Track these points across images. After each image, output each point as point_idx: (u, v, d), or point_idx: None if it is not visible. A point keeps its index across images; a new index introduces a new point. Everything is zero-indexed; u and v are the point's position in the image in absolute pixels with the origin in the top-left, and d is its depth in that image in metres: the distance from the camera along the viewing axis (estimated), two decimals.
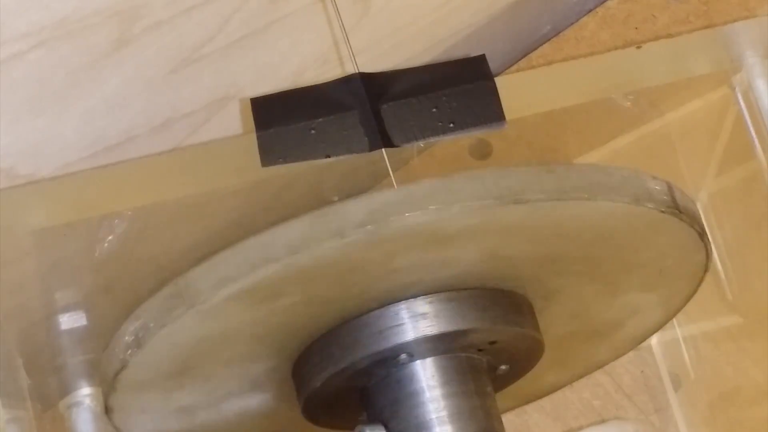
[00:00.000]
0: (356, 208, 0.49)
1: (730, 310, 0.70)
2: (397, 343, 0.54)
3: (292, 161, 0.56)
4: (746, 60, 0.64)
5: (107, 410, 0.56)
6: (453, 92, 0.58)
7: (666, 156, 0.71)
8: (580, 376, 0.71)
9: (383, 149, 0.56)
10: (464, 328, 0.55)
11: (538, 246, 0.54)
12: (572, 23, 0.77)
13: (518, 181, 0.50)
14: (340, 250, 0.49)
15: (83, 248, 0.61)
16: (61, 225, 0.58)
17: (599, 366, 0.70)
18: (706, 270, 0.61)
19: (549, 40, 0.78)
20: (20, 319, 0.62)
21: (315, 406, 0.57)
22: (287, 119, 0.57)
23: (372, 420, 0.56)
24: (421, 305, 0.54)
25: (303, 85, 0.58)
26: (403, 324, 0.54)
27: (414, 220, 0.49)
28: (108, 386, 0.55)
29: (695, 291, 0.63)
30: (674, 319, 0.68)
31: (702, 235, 0.57)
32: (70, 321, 0.64)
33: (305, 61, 0.65)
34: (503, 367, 0.58)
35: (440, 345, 0.55)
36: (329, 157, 0.57)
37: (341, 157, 0.56)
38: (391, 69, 0.59)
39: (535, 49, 0.78)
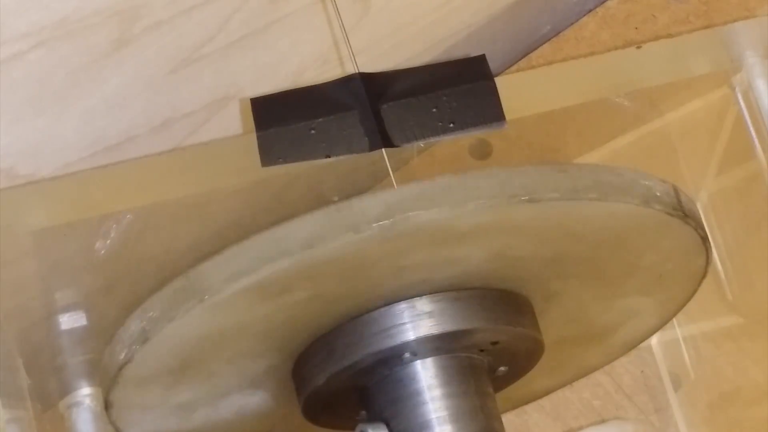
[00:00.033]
0: (372, 203, 0.49)
1: (730, 310, 0.70)
2: (402, 341, 0.54)
3: (292, 161, 0.56)
4: (746, 60, 0.64)
5: (107, 405, 0.56)
6: (453, 92, 0.58)
7: (666, 156, 0.71)
8: (571, 381, 0.71)
9: (383, 149, 0.56)
10: (469, 328, 0.55)
11: (545, 246, 0.54)
12: (572, 23, 0.77)
13: (532, 179, 0.50)
14: (353, 245, 0.49)
15: (83, 248, 0.61)
16: (61, 225, 0.58)
17: (590, 371, 0.70)
18: (704, 276, 0.61)
19: (549, 40, 0.78)
20: (20, 319, 0.62)
21: (315, 405, 0.57)
22: (287, 119, 0.57)
23: (372, 420, 0.56)
24: (427, 304, 0.54)
25: (303, 85, 0.58)
26: (408, 323, 0.54)
27: (429, 216, 0.49)
28: (110, 381, 0.54)
29: (691, 297, 0.64)
30: (674, 319, 0.68)
31: (705, 239, 0.57)
32: (70, 321, 0.64)
33: (305, 61, 0.65)
34: (502, 368, 0.58)
35: (444, 344, 0.55)
36: (329, 157, 0.57)
37: (341, 157, 0.56)
38: (391, 69, 0.59)
39: (535, 49, 0.78)
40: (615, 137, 0.72)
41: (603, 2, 0.77)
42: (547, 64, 0.77)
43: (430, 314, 0.54)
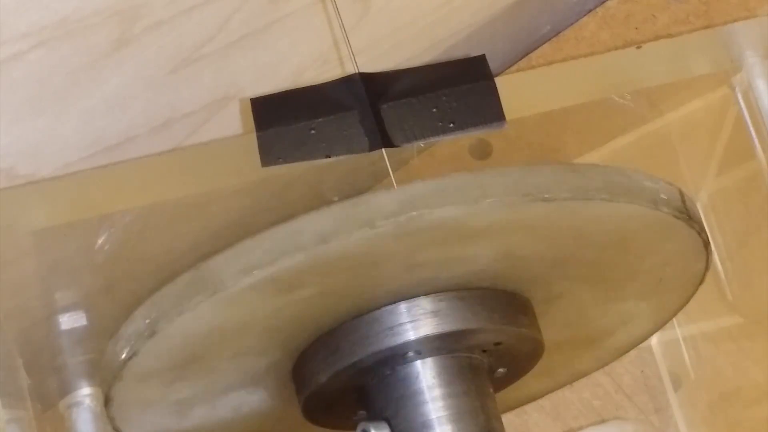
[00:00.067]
0: (387, 199, 0.49)
1: (730, 310, 0.70)
2: (406, 340, 0.54)
3: (292, 161, 0.56)
4: (746, 60, 0.64)
5: (107, 400, 0.56)
6: (453, 92, 0.58)
7: (666, 156, 0.71)
8: (560, 387, 0.70)
9: (383, 149, 0.56)
10: (474, 328, 0.55)
11: (553, 247, 0.54)
12: (572, 23, 0.77)
13: (545, 178, 0.50)
14: (367, 241, 0.49)
15: (83, 248, 0.61)
16: (61, 225, 0.58)
17: (580, 376, 0.70)
18: (701, 281, 0.61)
19: (549, 40, 0.78)
20: (20, 319, 0.62)
21: (315, 403, 0.57)
22: (287, 119, 0.57)
23: (372, 419, 0.56)
24: (432, 303, 0.54)
25: (303, 85, 0.58)
26: (412, 321, 0.54)
27: (444, 213, 0.49)
28: (113, 375, 0.54)
29: (686, 303, 0.64)
30: (674, 319, 0.68)
31: (706, 243, 0.57)
32: (70, 321, 0.64)
33: (305, 61, 0.65)
34: (501, 370, 0.58)
35: (447, 344, 0.55)
36: (329, 157, 0.57)
37: (341, 157, 0.56)
38: (391, 69, 0.59)
39: (535, 49, 0.78)
40: (615, 137, 0.72)
41: (603, 2, 0.77)
42: (547, 64, 0.77)
43: (435, 313, 0.54)
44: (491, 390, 0.57)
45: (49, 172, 0.59)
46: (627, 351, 0.69)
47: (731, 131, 0.67)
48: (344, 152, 0.57)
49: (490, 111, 0.57)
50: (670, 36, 0.75)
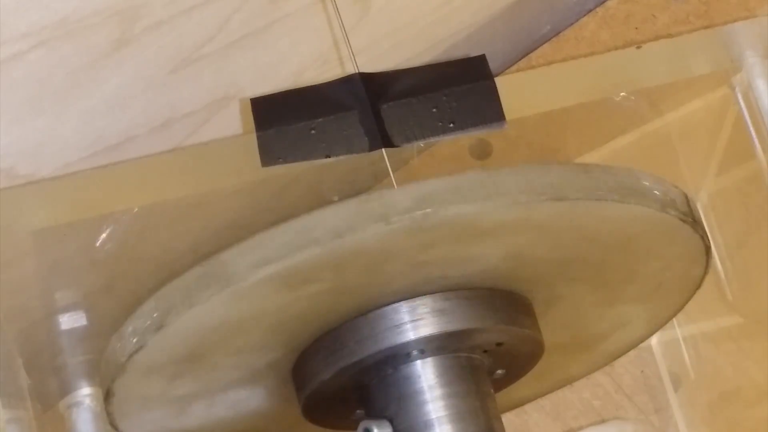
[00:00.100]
0: (402, 195, 0.49)
1: (730, 310, 0.69)
2: (413, 338, 0.54)
3: (292, 161, 0.56)
4: (746, 60, 0.64)
5: (108, 395, 0.55)
6: (453, 92, 0.58)
7: (666, 156, 0.71)
8: (549, 392, 0.71)
9: (383, 149, 0.56)
10: (479, 327, 0.55)
11: (560, 247, 0.55)
12: (572, 23, 0.77)
13: (558, 178, 0.50)
14: (381, 237, 0.49)
15: (83, 248, 0.61)
16: (61, 225, 0.58)
17: (569, 382, 0.70)
18: (698, 287, 0.62)
19: (549, 40, 0.78)
20: (20, 319, 0.62)
21: (316, 401, 0.57)
22: (287, 119, 0.57)
23: (373, 418, 0.56)
24: (439, 302, 0.54)
25: (303, 85, 0.58)
26: (418, 320, 0.54)
27: (459, 210, 0.49)
28: (117, 369, 0.54)
29: (680, 309, 0.64)
30: (674, 319, 0.68)
31: (708, 249, 0.57)
32: (70, 321, 0.64)
33: (305, 61, 0.65)
34: (499, 371, 0.58)
35: (452, 343, 0.55)
36: (329, 157, 0.57)
37: (341, 157, 0.56)
38: (391, 69, 0.59)
39: (535, 49, 0.78)
40: (615, 137, 0.72)
41: (603, 2, 0.77)
42: (547, 64, 0.77)
43: (440, 312, 0.54)
44: (492, 390, 0.58)
45: (49, 172, 0.59)
46: (617, 357, 0.69)
47: (731, 131, 0.67)
48: (344, 152, 0.57)
49: (490, 111, 0.57)
50: (670, 36, 0.75)
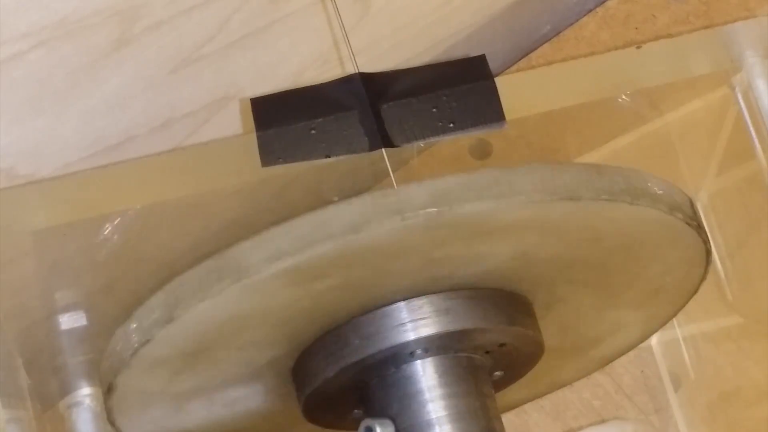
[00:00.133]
0: (418, 191, 0.49)
1: (730, 310, 0.70)
2: (419, 337, 0.54)
3: (292, 161, 0.56)
4: (746, 60, 0.64)
5: (109, 389, 0.55)
6: (453, 92, 0.58)
7: (666, 156, 0.71)
8: (538, 396, 0.71)
9: (383, 149, 0.56)
10: (484, 327, 0.55)
11: (566, 249, 0.55)
12: (572, 23, 0.77)
13: (572, 178, 0.50)
14: (396, 232, 0.49)
15: (83, 248, 0.61)
16: (61, 225, 0.58)
17: (560, 386, 0.70)
18: (695, 292, 0.62)
19: (549, 40, 0.78)
20: (20, 319, 0.62)
21: (317, 398, 0.57)
22: (287, 119, 0.57)
23: (375, 416, 0.56)
24: (445, 301, 0.55)
25: (303, 85, 0.58)
26: (426, 318, 0.54)
27: (474, 207, 0.49)
28: (122, 362, 0.53)
29: (674, 315, 0.65)
30: (674, 319, 0.68)
31: (709, 254, 0.57)
32: (70, 321, 0.64)
33: (305, 61, 0.65)
34: (497, 373, 0.58)
35: (456, 343, 0.55)
36: (329, 157, 0.57)
37: (341, 157, 0.56)
38: (391, 69, 0.59)
39: (535, 49, 0.78)
40: (615, 137, 0.72)
41: (603, 2, 0.77)
42: (547, 64, 0.77)
43: (446, 311, 0.54)
44: (492, 391, 0.58)
45: (49, 172, 0.59)
46: (609, 362, 0.69)
47: (731, 131, 0.67)
48: (344, 152, 0.57)
49: (490, 111, 0.57)
50: (670, 36, 0.75)
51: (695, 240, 0.56)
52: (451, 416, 0.55)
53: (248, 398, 0.60)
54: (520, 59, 0.78)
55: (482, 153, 0.72)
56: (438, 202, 0.49)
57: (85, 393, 0.68)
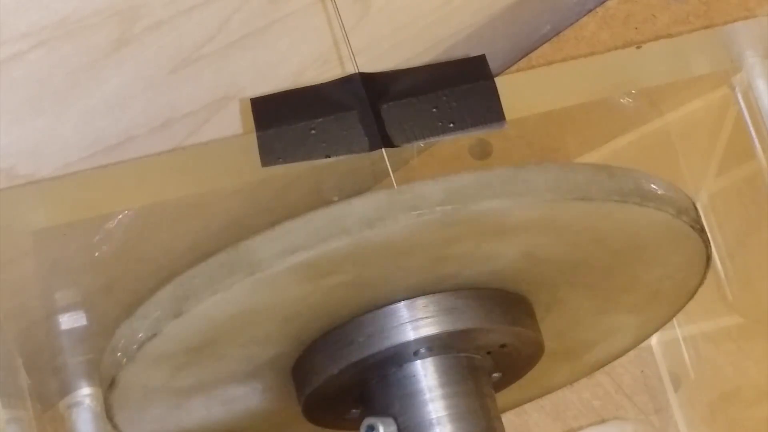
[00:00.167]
0: (433, 188, 0.49)
1: (730, 311, 0.70)
2: (423, 335, 0.54)
3: (292, 161, 0.56)
4: (746, 60, 0.64)
5: (111, 384, 0.55)
6: (453, 92, 0.58)
7: (666, 156, 0.71)
8: (527, 401, 0.71)
9: (383, 149, 0.56)
10: (488, 327, 0.55)
11: (573, 250, 0.55)
12: (572, 23, 0.77)
13: (584, 178, 0.51)
14: (411, 229, 0.49)
15: (83, 248, 0.61)
16: (61, 225, 0.58)
17: (551, 391, 0.70)
18: (690, 298, 0.62)
19: (549, 40, 0.78)
20: (20, 319, 0.62)
21: (318, 397, 0.57)
22: (287, 119, 0.57)
23: (377, 415, 0.56)
24: (449, 300, 0.55)
25: (303, 85, 0.58)
26: (431, 317, 0.54)
27: (489, 205, 0.49)
28: (127, 356, 0.53)
29: (668, 321, 0.65)
30: (674, 319, 0.68)
31: (709, 258, 0.58)
32: (70, 321, 0.64)
33: (305, 61, 0.65)
34: (495, 375, 0.58)
35: (459, 342, 0.55)
36: (329, 157, 0.57)
37: (341, 157, 0.56)
38: (391, 69, 0.59)
39: (535, 49, 0.78)
40: (615, 137, 0.72)
41: (603, 2, 0.77)
42: (547, 64, 0.77)
43: (451, 311, 0.54)
44: (492, 391, 0.58)
45: (49, 172, 0.59)
46: (600, 367, 0.69)
47: (731, 131, 0.67)
48: (344, 152, 0.57)
49: (490, 111, 0.57)
50: (670, 36, 0.75)
51: (697, 244, 0.56)
52: (452, 416, 0.55)
53: (247, 397, 0.60)
54: (520, 59, 0.78)
55: (482, 153, 0.72)
56: (453, 199, 0.49)
57: (85, 393, 0.68)
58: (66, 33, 0.53)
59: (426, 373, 0.55)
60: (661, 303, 0.62)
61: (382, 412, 0.55)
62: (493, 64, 0.59)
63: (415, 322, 0.54)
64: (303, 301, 0.53)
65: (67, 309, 0.63)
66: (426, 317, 0.54)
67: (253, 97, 0.57)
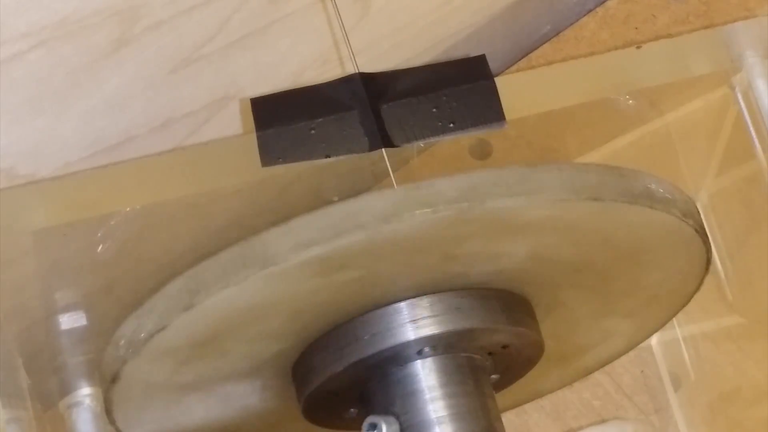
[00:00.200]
0: (449, 185, 0.49)
1: (730, 311, 0.70)
2: (429, 334, 0.54)
3: (292, 161, 0.56)
4: (746, 60, 0.64)
5: (114, 378, 0.54)
6: (453, 92, 0.58)
7: (666, 156, 0.71)
8: (518, 405, 0.71)
9: (383, 149, 0.56)
10: (492, 327, 0.55)
11: (579, 252, 0.55)
12: (572, 23, 0.77)
13: (596, 178, 0.51)
14: (426, 225, 0.49)
15: (83, 248, 0.61)
16: (61, 225, 0.58)
17: (541, 395, 0.70)
18: (686, 303, 0.62)
19: (549, 40, 0.78)
20: (20, 319, 0.62)
21: (319, 395, 0.56)
22: (287, 119, 0.57)
23: (378, 414, 0.56)
24: (454, 299, 0.55)
25: (303, 85, 0.58)
26: (437, 316, 0.54)
27: (504, 203, 0.49)
28: (132, 350, 0.53)
29: (662, 326, 0.65)
30: (674, 319, 0.68)
31: (708, 263, 0.58)
32: (70, 321, 0.64)
33: (305, 61, 0.66)
34: (494, 376, 0.59)
35: (463, 342, 0.55)
36: (329, 157, 0.57)
37: (341, 157, 0.56)
38: (391, 69, 0.59)
39: (535, 49, 0.78)
40: (615, 137, 0.72)
41: (603, 2, 0.77)
42: (547, 64, 0.77)
43: (457, 310, 0.54)
44: (492, 391, 0.58)
45: (49, 172, 0.59)
46: (591, 372, 0.69)
47: (731, 131, 0.67)
48: (344, 152, 0.57)
49: (490, 111, 0.57)
50: (670, 36, 0.75)
51: (699, 248, 0.56)
52: (452, 416, 0.55)
53: (245, 394, 0.60)
54: (520, 59, 0.78)
55: (482, 153, 0.72)
56: (469, 196, 0.49)
57: (85, 393, 0.68)
58: (66, 33, 0.53)
59: (427, 373, 0.55)
60: (657, 308, 0.62)
61: (383, 411, 0.55)
62: (493, 64, 0.59)
63: (418, 321, 0.54)
64: (312, 297, 0.53)
65: (67, 309, 0.63)
66: (429, 316, 0.54)
67: (253, 97, 0.57)
